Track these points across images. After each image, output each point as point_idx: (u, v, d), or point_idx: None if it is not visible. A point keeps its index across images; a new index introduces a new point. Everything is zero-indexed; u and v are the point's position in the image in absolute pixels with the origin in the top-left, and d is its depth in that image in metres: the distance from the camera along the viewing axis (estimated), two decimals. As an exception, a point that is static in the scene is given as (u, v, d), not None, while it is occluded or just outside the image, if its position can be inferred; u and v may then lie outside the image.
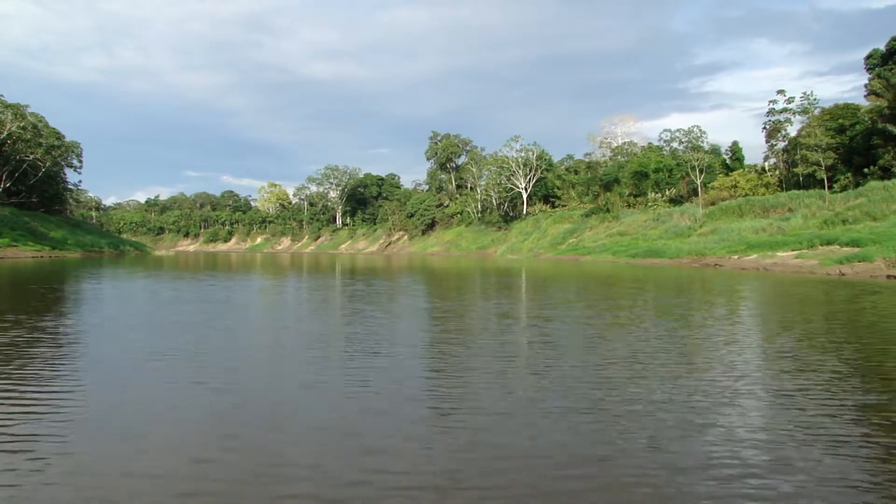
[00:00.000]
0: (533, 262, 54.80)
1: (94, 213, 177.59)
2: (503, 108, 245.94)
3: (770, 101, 66.51)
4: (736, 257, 37.86)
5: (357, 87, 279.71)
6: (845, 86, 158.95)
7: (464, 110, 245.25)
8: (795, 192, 50.90)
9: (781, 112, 65.41)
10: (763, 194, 59.15)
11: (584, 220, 73.83)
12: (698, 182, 60.76)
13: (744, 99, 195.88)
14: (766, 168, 70.98)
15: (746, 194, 60.72)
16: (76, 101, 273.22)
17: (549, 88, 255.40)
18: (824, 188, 53.33)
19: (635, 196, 72.92)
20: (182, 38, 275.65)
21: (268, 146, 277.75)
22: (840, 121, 55.78)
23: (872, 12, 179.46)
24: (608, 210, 70.31)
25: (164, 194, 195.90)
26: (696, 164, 64.27)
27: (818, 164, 54.24)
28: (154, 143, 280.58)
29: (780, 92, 66.05)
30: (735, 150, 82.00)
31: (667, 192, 71.16)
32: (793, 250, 33.97)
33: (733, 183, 62.72)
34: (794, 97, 65.63)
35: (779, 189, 62.09)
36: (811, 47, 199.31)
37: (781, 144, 66.93)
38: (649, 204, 70.16)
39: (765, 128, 67.04)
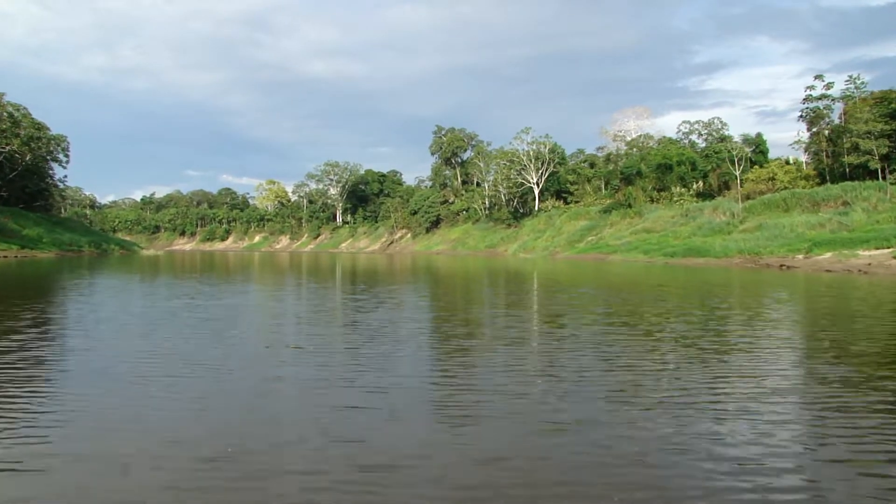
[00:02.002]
0: (552, 263, 49.51)
1: (88, 211, 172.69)
2: (504, 106, 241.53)
3: (807, 88, 61.11)
4: (801, 256, 32.54)
5: (357, 86, 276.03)
6: (845, 84, 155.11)
7: (464, 108, 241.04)
8: (850, 183, 45.51)
9: (820, 98, 60.06)
10: (804, 187, 53.91)
11: (602, 216, 68.46)
12: (737, 173, 55.17)
13: (744, 97, 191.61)
14: (792, 160, 65.75)
15: (786, 187, 55.43)
16: (76, 99, 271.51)
17: (549, 86, 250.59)
18: (878, 179, 47.99)
19: (658, 190, 67.52)
20: (182, 36, 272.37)
21: (268, 145, 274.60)
22: (893, 105, 50.37)
23: (873, 10, 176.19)
24: (630, 205, 64.88)
25: (163, 193, 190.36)
26: (733, 154, 58.52)
27: (870, 154, 48.87)
28: (154, 141, 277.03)
29: (819, 77, 60.58)
30: (759, 142, 76.75)
31: (693, 186, 65.72)
32: (878, 248, 28.65)
33: (770, 175, 57.29)
34: (832, 82, 60.39)
35: (819, 181, 56.80)
36: (811, 45, 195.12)
37: (805, 134, 62.17)
38: (674, 199, 64.75)
39: (801, 116, 61.60)
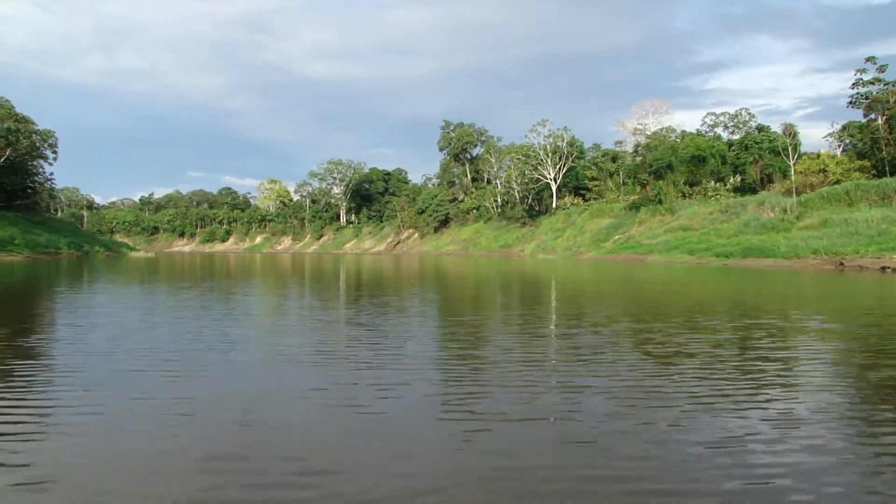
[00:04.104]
0: (580, 265, 43.88)
1: (84, 213, 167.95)
2: (505, 107, 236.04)
3: (857, 71, 55.55)
4: (900, 257, 26.90)
5: (358, 88, 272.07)
6: (847, 83, 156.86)
7: (466, 110, 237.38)
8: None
9: (872, 83, 54.39)
10: (859, 179, 48.26)
11: (628, 213, 62.87)
12: (791, 163, 49.25)
13: (746, 96, 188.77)
14: (823, 153, 60.14)
15: (839, 180, 49.79)
16: (77, 102, 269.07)
17: (550, 87, 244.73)
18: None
19: (691, 185, 61.84)
20: (183, 39, 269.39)
21: (270, 147, 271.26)
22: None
23: (874, 8, 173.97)
24: (660, 201, 59.22)
25: (162, 193, 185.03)
26: (786, 142, 52.37)
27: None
28: (156, 144, 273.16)
29: (870, 59, 55.09)
30: (794, 133, 71.15)
31: (730, 181, 60.02)
32: None
33: (821, 167, 51.63)
34: (886, 65, 54.76)
35: (875, 173, 51.11)
36: (813, 44, 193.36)
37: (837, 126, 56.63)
38: (709, 194, 59.10)
39: (851, 103, 55.92)
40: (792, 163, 48.78)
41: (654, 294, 17.76)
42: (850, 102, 56.07)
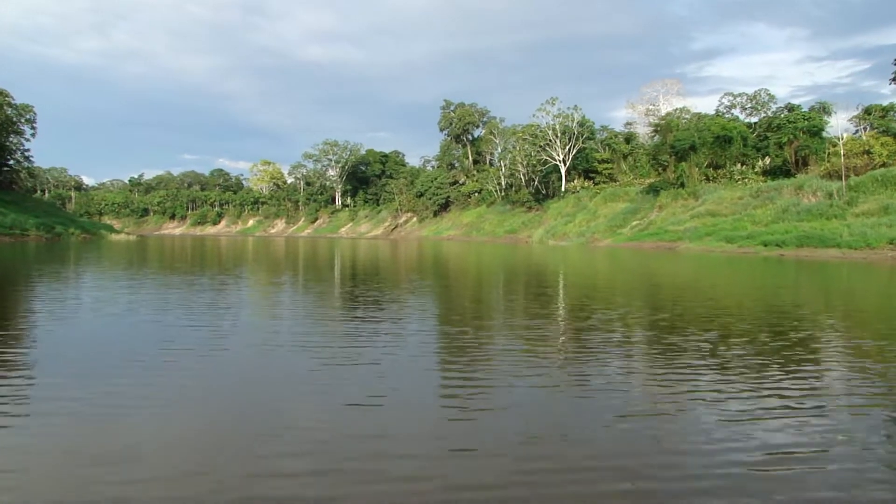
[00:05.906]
0: (600, 254, 39.25)
1: (73, 193, 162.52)
2: (503, 91, 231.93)
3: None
4: None
5: (355, 71, 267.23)
6: (842, 71, 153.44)
7: (464, 94, 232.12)
8: None
9: (920, 57, 49.61)
10: (906, 162, 43.63)
11: (646, 197, 58.09)
12: (840, 142, 44.30)
13: (742, 84, 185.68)
14: (846, 137, 55.39)
15: (885, 162, 45.13)
16: (71, 84, 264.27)
17: (548, 72, 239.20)
18: None
19: (714, 168, 57.04)
20: (179, 20, 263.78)
21: (265, 130, 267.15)
22: None
23: None
24: (682, 185, 54.48)
25: (153, 174, 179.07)
26: (829, 120, 47.50)
27: None
28: (150, 126, 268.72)
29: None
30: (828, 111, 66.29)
31: (759, 163, 55.27)
32: None
33: (864, 148, 46.91)
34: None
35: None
36: (811, 32, 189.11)
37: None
38: (736, 177, 54.38)
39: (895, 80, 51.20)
40: (842, 142, 43.89)
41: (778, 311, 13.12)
42: (894, 79, 51.37)
